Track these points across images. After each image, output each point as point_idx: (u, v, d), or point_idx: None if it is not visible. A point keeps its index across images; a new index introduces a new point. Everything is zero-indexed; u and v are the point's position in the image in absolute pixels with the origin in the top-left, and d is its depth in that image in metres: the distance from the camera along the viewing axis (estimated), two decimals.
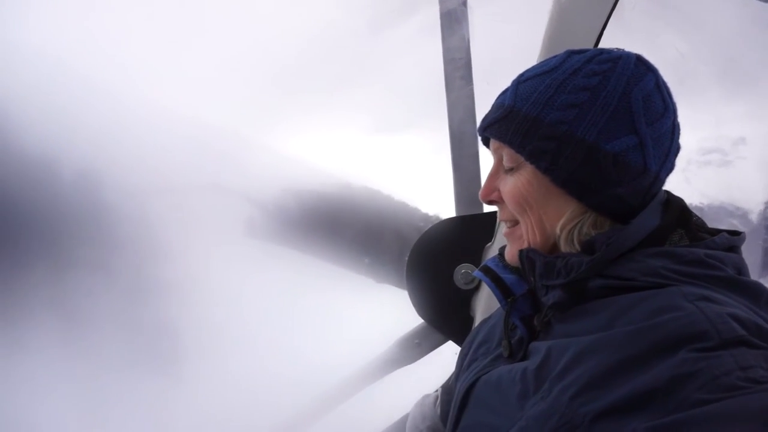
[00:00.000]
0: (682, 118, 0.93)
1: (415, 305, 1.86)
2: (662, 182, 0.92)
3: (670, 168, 0.93)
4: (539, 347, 0.89)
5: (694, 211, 0.96)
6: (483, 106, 1.06)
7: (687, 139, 0.95)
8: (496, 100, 0.99)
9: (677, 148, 0.93)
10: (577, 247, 0.90)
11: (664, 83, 0.91)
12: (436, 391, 1.42)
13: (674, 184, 0.97)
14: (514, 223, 0.98)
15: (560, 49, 0.96)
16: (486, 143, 1.04)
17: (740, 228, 0.97)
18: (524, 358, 0.93)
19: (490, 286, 1.01)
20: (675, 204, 0.93)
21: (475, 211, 1.83)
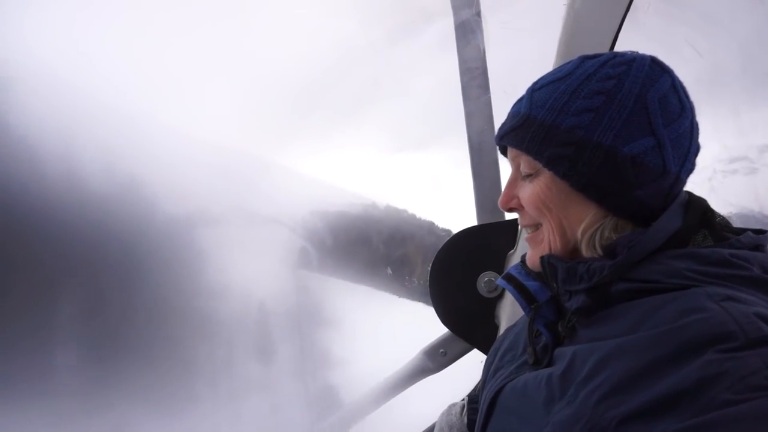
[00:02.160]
0: (703, 123, 0.93)
1: (439, 315, 1.86)
2: (683, 183, 0.92)
3: (691, 168, 0.92)
4: (564, 353, 0.89)
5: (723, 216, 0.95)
6: (501, 114, 1.07)
7: (711, 146, 0.95)
8: (512, 108, 1.00)
9: (697, 148, 0.92)
10: (599, 251, 0.90)
11: (681, 84, 0.91)
12: (463, 400, 1.42)
13: (699, 193, 0.96)
14: (536, 227, 0.99)
15: (576, 54, 0.97)
16: (504, 152, 1.05)
17: None
18: (549, 364, 0.93)
19: (513, 294, 1.02)
20: (697, 204, 0.92)
21: (497, 219, 1.83)
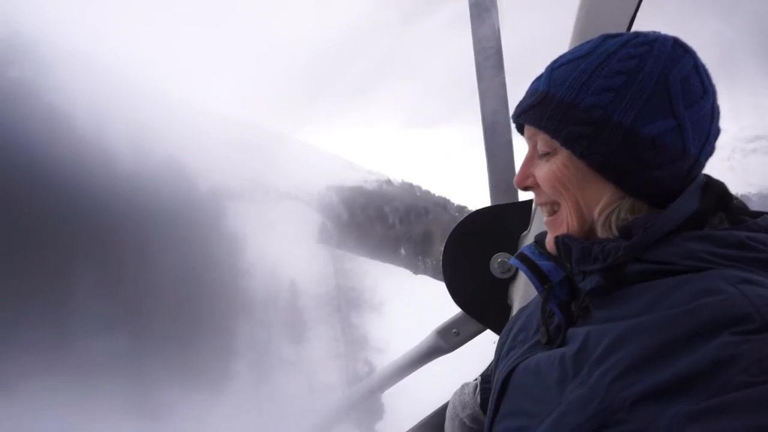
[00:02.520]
0: (723, 104, 0.92)
1: (452, 295, 1.86)
2: (702, 166, 0.91)
3: (710, 151, 0.91)
4: (577, 333, 0.89)
5: (741, 200, 0.94)
6: (515, 95, 1.06)
7: (730, 126, 0.94)
8: (530, 86, 0.99)
9: (717, 131, 0.91)
10: (615, 232, 0.90)
11: (703, 66, 0.90)
12: (476, 379, 1.43)
13: (719, 172, 0.95)
14: (553, 207, 0.99)
15: (592, 34, 0.96)
16: (520, 130, 1.04)
17: None
18: (562, 344, 0.93)
19: (526, 274, 1.02)
20: (715, 187, 0.91)
21: (511, 200, 1.82)
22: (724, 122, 0.93)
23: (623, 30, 1.50)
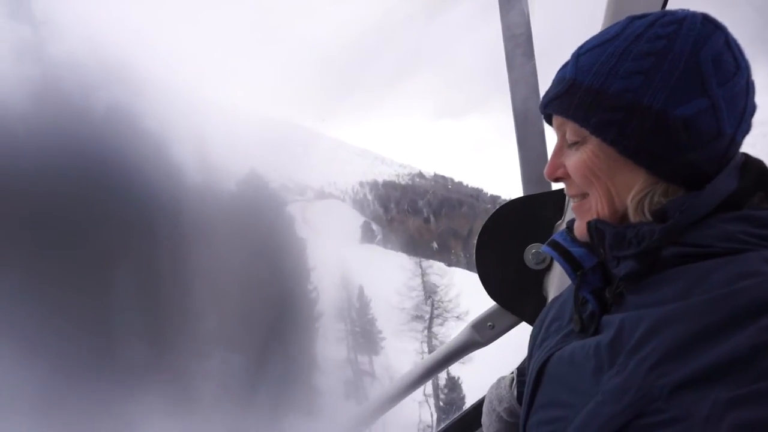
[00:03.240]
0: (759, 80, 0.88)
1: (486, 288, 1.85)
2: (739, 145, 0.88)
3: (747, 129, 0.88)
4: (612, 320, 0.87)
5: None
6: (546, 83, 1.04)
7: (767, 102, 0.90)
8: (557, 74, 0.97)
9: (753, 108, 0.88)
10: (648, 216, 0.87)
11: (735, 41, 0.86)
12: (512, 373, 1.42)
13: (760, 150, 0.92)
14: (583, 197, 0.97)
15: (625, 16, 0.93)
16: (548, 120, 1.02)
17: None
18: (596, 332, 0.91)
19: (558, 260, 1.00)
20: (754, 166, 0.88)
21: (543, 190, 1.79)
22: (762, 99, 0.89)
23: (657, 9, 1.45)
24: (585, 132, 0.90)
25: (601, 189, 0.91)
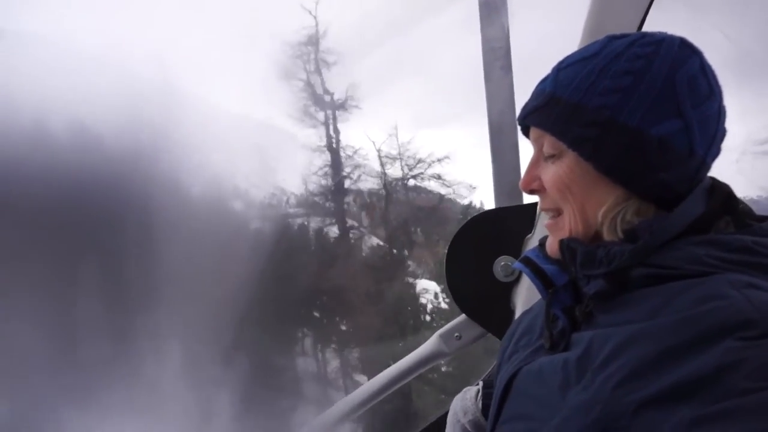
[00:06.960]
0: (730, 107, 0.90)
1: (455, 298, 1.85)
2: (708, 167, 0.89)
3: (716, 153, 0.90)
4: (581, 338, 0.88)
5: (750, 204, 0.93)
6: (523, 96, 1.05)
7: (737, 129, 0.92)
8: (537, 87, 0.98)
9: (723, 133, 0.90)
10: (620, 235, 0.88)
11: (709, 66, 0.88)
12: (478, 384, 1.41)
13: (728, 176, 0.93)
14: (557, 213, 0.97)
15: (602, 35, 0.94)
16: (525, 132, 1.02)
17: None
18: (566, 349, 0.92)
19: (530, 277, 1.00)
20: (720, 190, 0.90)
21: (515, 203, 1.80)
22: (733, 125, 0.91)
23: (633, 30, 1.48)
24: (562, 146, 0.91)
25: (575, 204, 0.92)
